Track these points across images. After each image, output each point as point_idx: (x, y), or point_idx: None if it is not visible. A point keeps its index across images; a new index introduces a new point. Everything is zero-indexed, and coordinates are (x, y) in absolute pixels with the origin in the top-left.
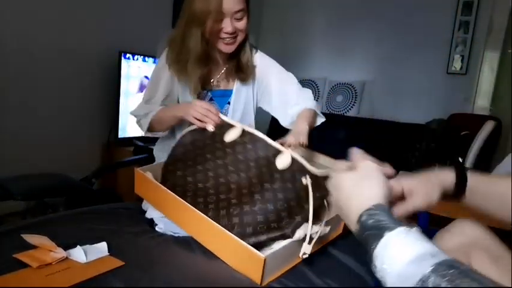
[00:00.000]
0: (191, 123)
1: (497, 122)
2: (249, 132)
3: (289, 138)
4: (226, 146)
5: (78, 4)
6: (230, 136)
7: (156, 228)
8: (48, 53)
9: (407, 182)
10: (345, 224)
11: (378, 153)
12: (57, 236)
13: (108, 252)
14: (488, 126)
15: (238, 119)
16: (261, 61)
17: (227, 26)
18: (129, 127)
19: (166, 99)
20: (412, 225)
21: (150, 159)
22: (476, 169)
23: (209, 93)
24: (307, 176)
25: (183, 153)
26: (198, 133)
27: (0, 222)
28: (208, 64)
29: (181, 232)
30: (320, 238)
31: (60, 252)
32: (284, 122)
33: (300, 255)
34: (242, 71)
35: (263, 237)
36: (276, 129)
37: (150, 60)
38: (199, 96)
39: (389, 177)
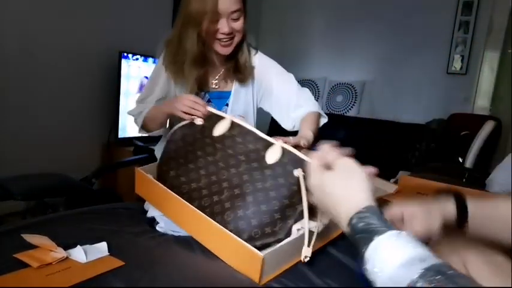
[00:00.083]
0: (181, 119)
1: (497, 122)
2: (238, 124)
3: (291, 139)
4: (215, 141)
5: (78, 4)
6: (219, 129)
7: (157, 227)
8: (48, 53)
9: (408, 208)
10: None
11: (378, 153)
12: (57, 236)
13: (108, 252)
14: (488, 126)
15: None
16: (260, 62)
17: (223, 26)
18: (129, 127)
19: (161, 100)
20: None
21: (150, 159)
22: (476, 169)
23: (207, 95)
24: (300, 169)
25: (174, 151)
26: (187, 128)
27: (0, 222)
28: (205, 65)
29: (181, 231)
30: (321, 236)
31: (60, 252)
32: (286, 125)
33: (302, 259)
34: (240, 72)
35: (258, 243)
36: (276, 130)
37: (150, 60)
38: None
39: (374, 175)
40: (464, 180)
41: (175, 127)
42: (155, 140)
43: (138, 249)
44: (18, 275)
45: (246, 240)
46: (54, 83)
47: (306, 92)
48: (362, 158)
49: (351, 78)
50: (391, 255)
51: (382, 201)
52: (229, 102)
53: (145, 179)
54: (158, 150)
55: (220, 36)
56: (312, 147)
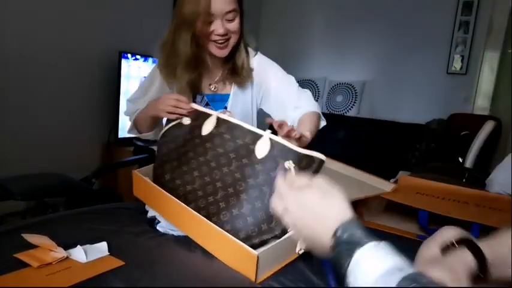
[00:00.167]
0: (170, 121)
1: (497, 122)
2: (224, 120)
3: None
4: (205, 141)
5: (78, 4)
6: (206, 128)
7: (157, 227)
8: (48, 53)
9: (432, 272)
10: None
11: (378, 153)
12: (57, 236)
13: (109, 252)
14: (488, 126)
15: None
16: (260, 63)
17: (218, 27)
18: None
19: None
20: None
21: (150, 159)
22: (476, 169)
23: (205, 98)
24: (290, 161)
25: (167, 154)
26: (176, 129)
27: (0, 222)
28: (198, 68)
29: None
30: None
31: (60, 252)
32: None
33: (297, 251)
34: (238, 75)
35: (256, 241)
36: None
37: (150, 60)
38: (195, 101)
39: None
40: (464, 180)
41: (164, 129)
42: (156, 140)
43: (138, 249)
44: (19, 275)
45: (243, 239)
46: (54, 83)
47: (307, 93)
48: (362, 158)
49: (351, 78)
50: (371, 267)
51: (380, 199)
52: (228, 105)
53: (142, 181)
54: None
55: (215, 37)
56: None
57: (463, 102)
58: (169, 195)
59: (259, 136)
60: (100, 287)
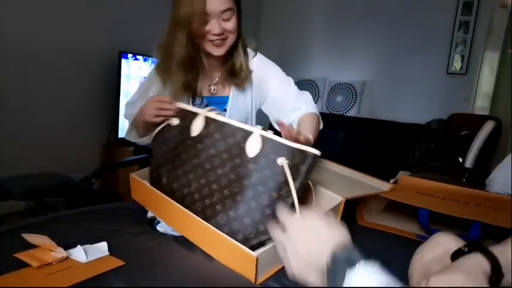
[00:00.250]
0: (158, 124)
1: (497, 122)
2: (213, 119)
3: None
4: (196, 142)
5: (78, 4)
6: (195, 128)
7: (157, 227)
8: (48, 53)
9: (454, 276)
10: (342, 213)
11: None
12: (57, 236)
13: (109, 252)
14: (488, 126)
15: None
16: (259, 64)
17: (214, 27)
18: None
19: None
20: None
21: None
22: (476, 169)
23: (205, 100)
24: (283, 158)
25: (161, 157)
26: (166, 131)
27: (0, 222)
28: (194, 69)
29: None
30: None
31: (60, 252)
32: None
33: None
34: (236, 76)
35: (254, 242)
36: (277, 131)
37: (150, 60)
38: (194, 104)
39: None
40: (464, 180)
41: (154, 133)
42: None
43: (139, 249)
44: (19, 275)
45: (241, 241)
46: (54, 83)
47: (306, 95)
48: (362, 158)
49: (351, 78)
50: (363, 284)
51: (380, 199)
52: (227, 107)
53: (140, 184)
54: None
55: (211, 37)
56: None
57: (463, 102)
58: (168, 198)
59: (249, 133)
60: (100, 287)
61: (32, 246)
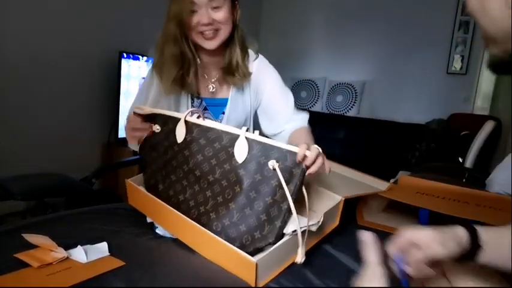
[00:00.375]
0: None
1: (497, 122)
2: (195, 123)
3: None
4: (182, 148)
5: (78, 4)
6: (179, 133)
7: (157, 231)
8: (48, 53)
9: (421, 232)
10: (341, 217)
11: (378, 153)
12: (58, 236)
13: (109, 252)
14: (488, 126)
15: None
16: (259, 68)
17: (203, 17)
18: None
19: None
20: None
21: None
22: (476, 169)
23: (203, 102)
24: (273, 160)
25: (154, 163)
26: (151, 139)
27: (0, 222)
28: (185, 65)
29: None
30: (316, 233)
31: (60, 252)
32: (268, 129)
33: (298, 261)
34: (233, 73)
35: (250, 249)
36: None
37: (151, 60)
38: (193, 106)
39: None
40: (464, 180)
41: (140, 144)
42: None
43: (139, 250)
44: (19, 275)
45: (238, 248)
46: (54, 83)
47: (302, 112)
48: (362, 158)
49: (351, 78)
50: None
51: (380, 199)
52: (226, 110)
53: (137, 191)
54: None
55: (201, 28)
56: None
57: (463, 102)
58: (166, 205)
59: (236, 137)
60: (100, 287)
61: (32, 246)
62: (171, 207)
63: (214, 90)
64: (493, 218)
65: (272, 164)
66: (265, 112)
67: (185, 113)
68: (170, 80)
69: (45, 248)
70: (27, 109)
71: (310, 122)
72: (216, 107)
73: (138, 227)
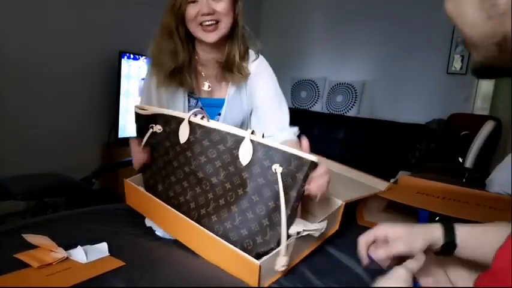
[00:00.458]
0: (141, 132)
1: (497, 122)
2: (198, 124)
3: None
4: (185, 149)
5: (78, 4)
6: (182, 134)
7: (156, 232)
8: (48, 53)
9: (393, 229)
10: (341, 220)
11: (378, 153)
12: (57, 236)
13: (109, 252)
14: (488, 126)
15: None
16: (257, 73)
17: (203, 6)
18: (129, 127)
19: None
20: None
21: None
22: (476, 169)
23: (199, 102)
24: (277, 164)
25: (154, 163)
26: (152, 139)
27: (0, 222)
28: (180, 59)
29: None
30: (316, 237)
31: (60, 252)
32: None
33: (276, 268)
34: (231, 70)
35: (252, 254)
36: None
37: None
38: (189, 106)
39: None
40: (464, 180)
41: (142, 144)
42: None
43: (139, 250)
44: (19, 275)
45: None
46: (54, 83)
47: (293, 128)
48: (362, 158)
49: (351, 78)
50: None
51: (380, 199)
52: (222, 111)
53: (135, 191)
54: None
55: (201, 19)
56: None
57: (463, 102)
58: (165, 204)
59: (241, 139)
60: (100, 287)
61: (32, 246)
62: (170, 207)
63: (210, 89)
64: (493, 218)
65: (275, 167)
66: (256, 116)
67: (189, 114)
68: (164, 72)
69: (45, 248)
70: (27, 109)
71: (310, 122)
72: (212, 108)
73: (138, 228)
